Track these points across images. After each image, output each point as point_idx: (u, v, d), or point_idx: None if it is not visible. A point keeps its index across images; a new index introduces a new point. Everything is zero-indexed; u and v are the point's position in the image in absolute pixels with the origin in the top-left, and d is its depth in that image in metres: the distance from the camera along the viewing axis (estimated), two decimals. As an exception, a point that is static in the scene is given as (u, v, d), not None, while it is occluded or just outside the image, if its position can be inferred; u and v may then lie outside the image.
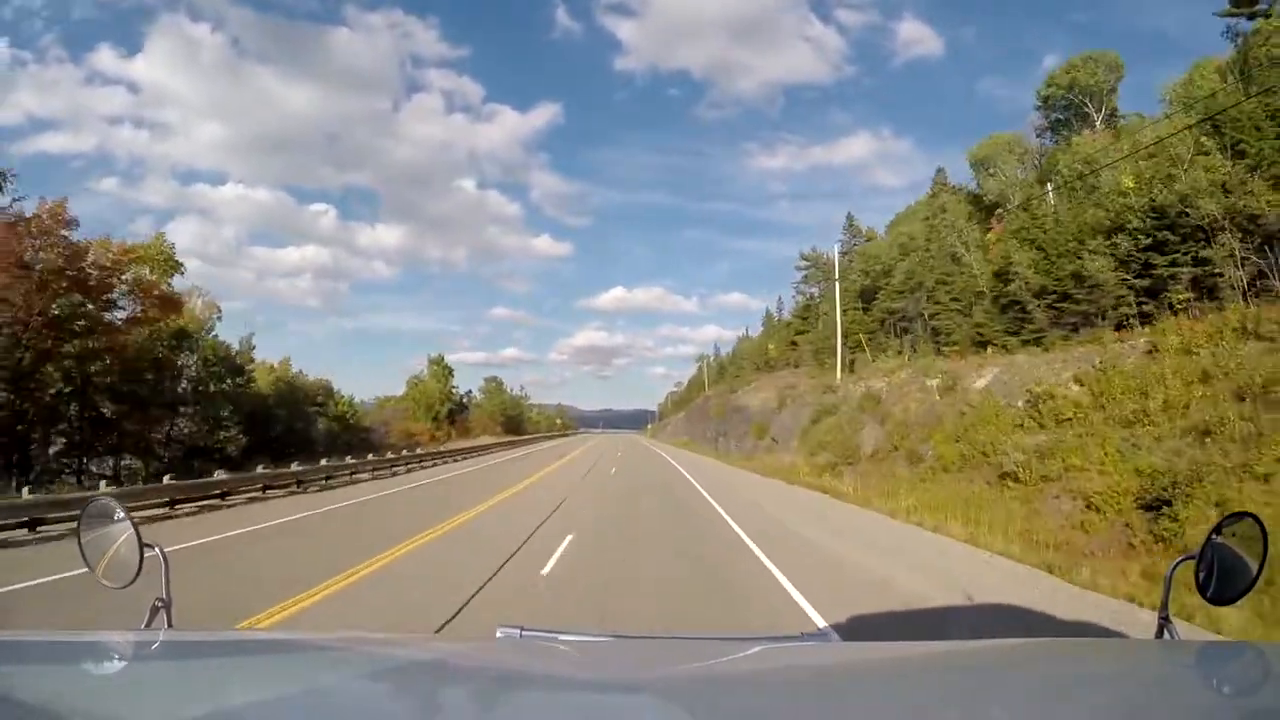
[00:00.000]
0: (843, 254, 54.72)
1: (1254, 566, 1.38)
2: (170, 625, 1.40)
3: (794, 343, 59.70)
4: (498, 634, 1.48)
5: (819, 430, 29.57)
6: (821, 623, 6.14)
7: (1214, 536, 1.45)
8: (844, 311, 45.81)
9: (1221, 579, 1.41)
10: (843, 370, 36.61)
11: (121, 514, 1.50)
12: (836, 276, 38.59)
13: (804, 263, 62.22)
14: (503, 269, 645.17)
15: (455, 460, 33.41)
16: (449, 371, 66.16)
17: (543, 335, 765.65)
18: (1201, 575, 1.44)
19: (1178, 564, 1.46)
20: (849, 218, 57.14)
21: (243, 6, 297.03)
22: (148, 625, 1.38)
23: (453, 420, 67.20)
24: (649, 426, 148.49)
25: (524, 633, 1.48)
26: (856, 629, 6.11)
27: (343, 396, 57.54)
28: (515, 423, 79.26)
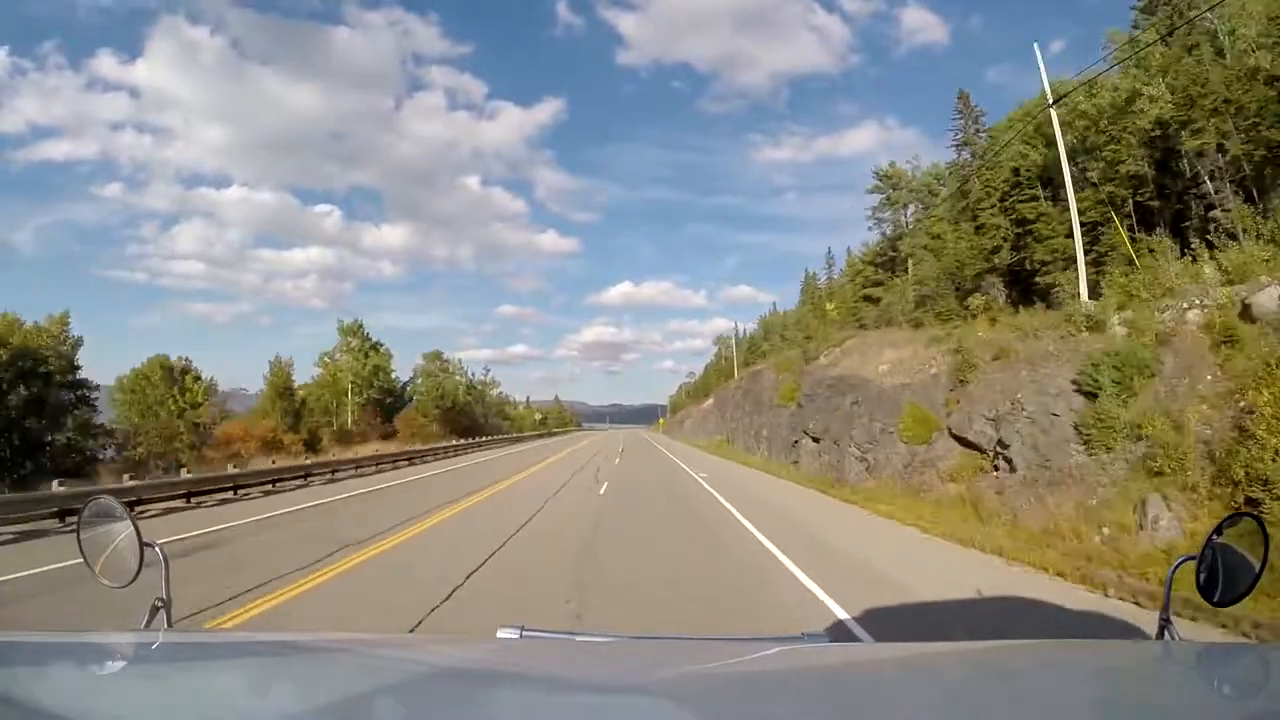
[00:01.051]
0: (979, 132, 34.69)
1: (1255, 567, 1.35)
2: (170, 625, 1.39)
3: (868, 297, 39.99)
4: (499, 634, 1.44)
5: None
6: None
7: (1214, 537, 1.41)
8: (1002, 202, 25.82)
9: (1223, 580, 1.37)
10: (1083, 294, 16.71)
11: (122, 513, 1.48)
12: (1058, 133, 18.47)
13: (881, 184, 42.28)
14: (509, 266, 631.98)
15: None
16: (373, 348, 46.04)
17: (550, 332, 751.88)
18: (1202, 576, 1.41)
19: (1178, 565, 1.45)
20: (962, 96, 36.68)
21: (242, 8, 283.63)
22: (147, 625, 1.36)
23: (391, 414, 47.50)
24: (661, 420, 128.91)
25: (525, 633, 1.44)
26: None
27: (200, 383, 38.22)
28: (468, 418, 57.84)
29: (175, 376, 36.91)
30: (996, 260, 26.02)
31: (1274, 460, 8.23)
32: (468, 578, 7.69)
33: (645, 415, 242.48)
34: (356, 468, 23.60)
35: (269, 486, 17.41)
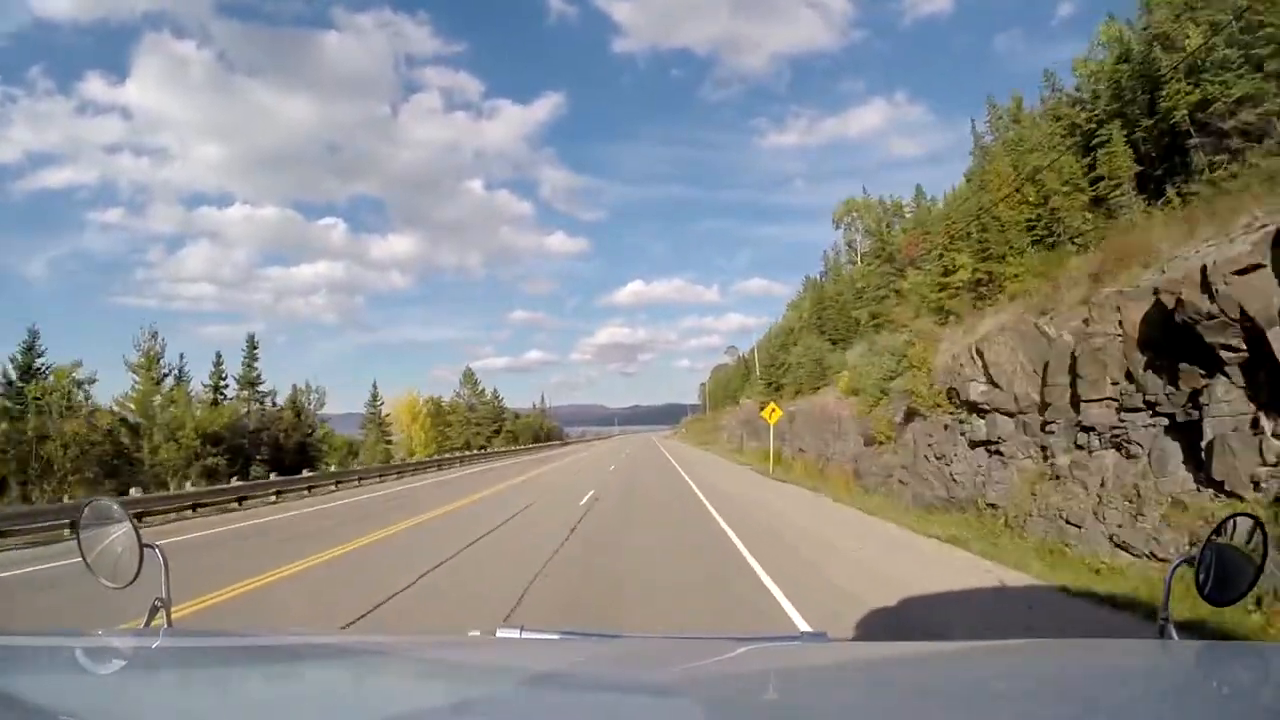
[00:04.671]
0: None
1: (1254, 567, 1.34)
2: (170, 624, 1.38)
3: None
4: (499, 634, 1.46)
5: None
6: None
7: (1214, 538, 1.40)
8: None
9: (1222, 580, 1.36)
10: None
11: (121, 514, 1.48)
12: None
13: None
14: (519, 271, 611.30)
15: None
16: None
17: (565, 335, 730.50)
18: (1201, 577, 1.39)
19: (1178, 565, 1.43)
20: None
21: (226, 18, 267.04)
22: (147, 624, 1.36)
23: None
24: (685, 420, 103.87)
25: (524, 632, 1.45)
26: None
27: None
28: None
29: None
30: None
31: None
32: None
33: (667, 415, 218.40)
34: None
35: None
